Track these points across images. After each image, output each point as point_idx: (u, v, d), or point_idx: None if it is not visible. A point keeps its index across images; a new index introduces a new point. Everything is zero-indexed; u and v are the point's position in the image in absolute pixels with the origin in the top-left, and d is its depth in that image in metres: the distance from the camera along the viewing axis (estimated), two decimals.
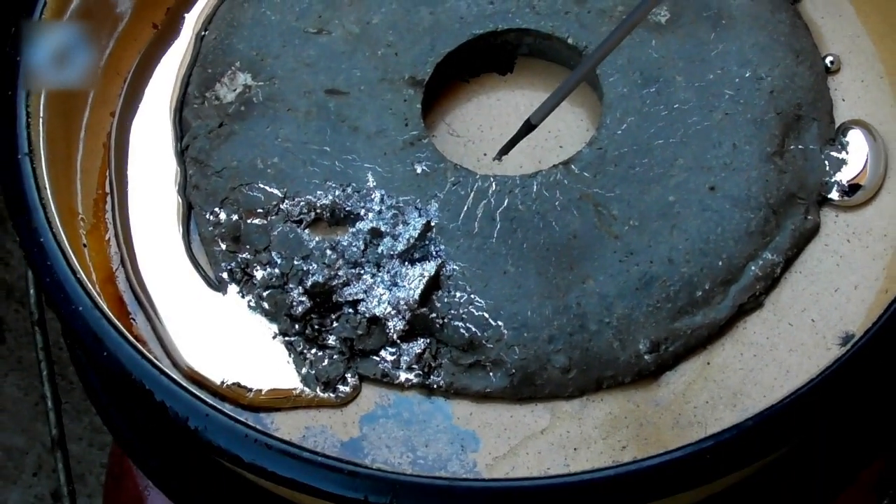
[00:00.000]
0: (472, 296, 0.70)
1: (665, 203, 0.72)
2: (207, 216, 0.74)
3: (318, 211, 0.72)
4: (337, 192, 0.73)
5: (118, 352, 0.65)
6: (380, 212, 0.72)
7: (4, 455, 1.46)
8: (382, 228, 0.72)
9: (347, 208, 0.72)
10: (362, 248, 0.71)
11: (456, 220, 0.72)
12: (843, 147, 0.74)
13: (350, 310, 0.70)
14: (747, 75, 0.75)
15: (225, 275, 0.72)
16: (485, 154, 0.76)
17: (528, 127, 0.73)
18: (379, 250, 0.71)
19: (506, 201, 0.72)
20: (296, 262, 0.71)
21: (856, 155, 0.74)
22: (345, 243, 0.71)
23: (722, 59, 0.76)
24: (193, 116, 0.76)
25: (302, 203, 0.73)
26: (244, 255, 0.72)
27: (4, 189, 0.69)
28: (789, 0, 0.79)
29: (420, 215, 0.72)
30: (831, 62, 0.77)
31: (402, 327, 0.69)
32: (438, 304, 0.70)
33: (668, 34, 0.76)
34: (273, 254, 0.72)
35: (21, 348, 1.49)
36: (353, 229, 0.72)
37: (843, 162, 0.74)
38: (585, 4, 0.78)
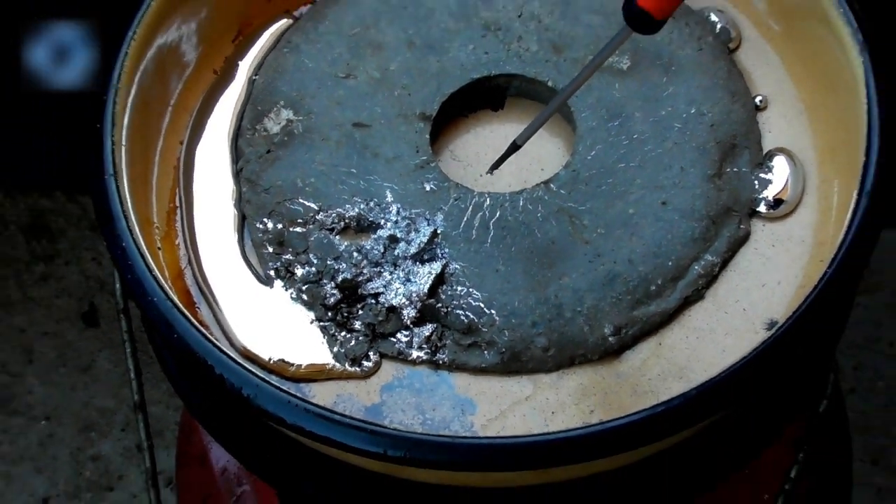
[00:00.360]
0: (471, 289, 0.70)
1: (626, 215, 0.71)
2: (258, 225, 0.73)
3: (347, 221, 0.72)
4: (362, 206, 0.72)
5: (186, 335, 0.65)
6: (396, 222, 0.72)
7: (99, 414, 1.46)
8: (398, 235, 0.71)
9: (370, 219, 0.72)
10: (382, 251, 0.71)
11: (457, 228, 0.71)
12: (770, 170, 0.74)
13: (372, 301, 0.70)
14: (692, 112, 0.75)
15: (272, 272, 0.72)
16: (481, 175, 0.76)
17: (514, 147, 0.73)
18: (395, 253, 0.71)
19: (498, 213, 0.72)
20: (329, 262, 0.71)
21: (779, 176, 0.73)
22: (368, 247, 0.71)
23: (672, 98, 0.75)
24: (246, 144, 0.76)
25: (333, 214, 0.72)
26: (287, 257, 0.72)
27: (94, 203, 0.69)
28: (726, 50, 0.78)
29: (429, 224, 0.72)
30: (760, 101, 0.77)
31: (414, 315, 0.69)
32: (443, 296, 0.70)
33: (629, 78, 0.76)
34: (310, 255, 0.71)
35: (111, 331, 1.50)
36: (375, 236, 0.72)
37: (769, 182, 0.73)
38: (562, 55, 0.77)
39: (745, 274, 0.71)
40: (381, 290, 0.70)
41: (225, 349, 0.64)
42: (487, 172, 0.75)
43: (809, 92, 0.76)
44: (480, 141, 0.78)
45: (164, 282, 0.66)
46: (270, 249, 0.72)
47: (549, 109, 0.71)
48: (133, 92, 0.73)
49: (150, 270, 0.66)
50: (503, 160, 0.74)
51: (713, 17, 0.79)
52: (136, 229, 0.68)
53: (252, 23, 0.81)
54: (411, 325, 0.69)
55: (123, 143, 0.71)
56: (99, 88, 0.69)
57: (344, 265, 0.71)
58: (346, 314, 0.70)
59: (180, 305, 0.65)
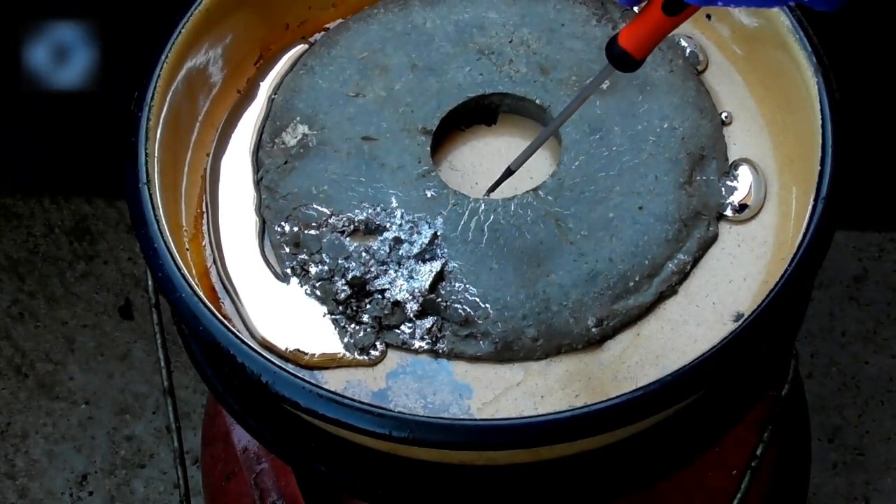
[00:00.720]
0: (467, 286, 0.69)
1: (607, 218, 0.71)
2: (276, 228, 0.73)
3: (356, 224, 0.72)
4: (369, 211, 0.72)
5: (211, 327, 0.64)
6: (400, 225, 0.71)
7: (133, 398, 1.45)
8: (402, 237, 0.71)
9: (377, 222, 0.72)
10: (388, 251, 0.71)
11: (455, 230, 0.71)
12: (735, 178, 0.74)
13: (379, 296, 0.70)
14: (665, 126, 0.74)
15: (289, 270, 0.72)
16: (476, 183, 0.75)
17: (508, 172, 0.72)
18: (400, 253, 0.71)
19: (492, 217, 0.72)
20: (340, 262, 0.71)
21: (743, 183, 0.73)
22: (375, 248, 0.71)
23: (647, 114, 0.75)
24: (266, 156, 0.76)
25: (344, 219, 0.72)
26: (302, 256, 0.72)
27: (130, 209, 0.69)
28: (695, 72, 0.78)
29: (429, 227, 0.71)
30: (726, 117, 0.76)
31: (416, 308, 0.69)
32: (443, 292, 0.69)
33: (609, 97, 0.76)
34: (323, 255, 0.71)
35: (145, 323, 1.49)
36: (381, 237, 0.71)
37: (735, 188, 0.73)
38: (549, 76, 0.77)
39: (714, 271, 0.71)
40: (387, 286, 0.70)
41: (246, 340, 0.64)
42: (485, 195, 0.74)
43: (770, 109, 0.76)
44: (476, 153, 0.77)
45: (191, 279, 0.66)
46: (287, 250, 0.72)
47: (540, 138, 0.71)
48: (165, 109, 0.72)
49: (179, 269, 0.66)
50: (499, 183, 0.74)
51: (683, 43, 0.79)
52: (167, 232, 0.68)
53: (272, 48, 0.81)
54: (414, 318, 0.69)
55: (156, 155, 0.71)
56: (99, 88, 0.68)
57: (353, 264, 0.70)
58: (355, 308, 0.70)
59: (206, 300, 0.65)
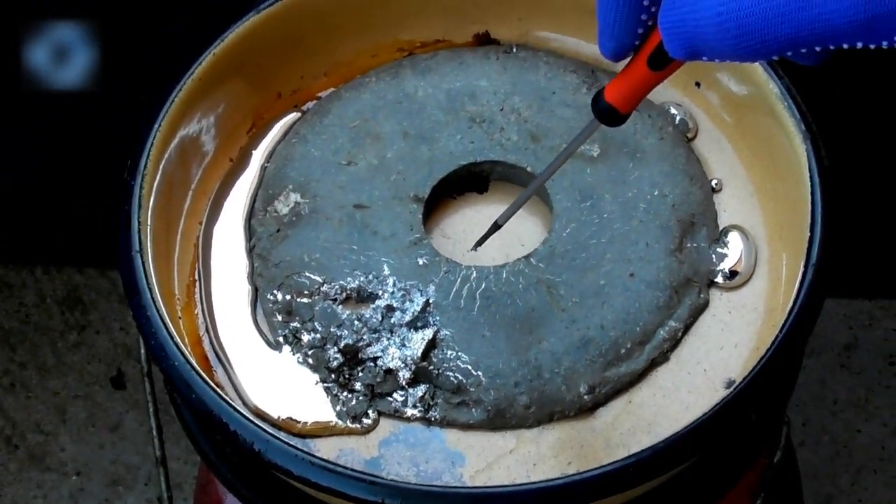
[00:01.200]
0: (459, 353, 0.69)
1: (598, 285, 0.71)
2: (268, 296, 0.73)
3: (348, 292, 0.72)
4: (361, 279, 0.72)
5: (203, 395, 0.64)
6: (392, 293, 0.71)
7: (125, 469, 1.44)
8: (394, 305, 0.71)
9: (369, 290, 0.72)
10: (380, 319, 0.71)
11: (447, 298, 0.71)
12: (725, 245, 0.74)
13: (371, 364, 0.69)
14: (656, 193, 0.75)
15: (281, 339, 0.72)
16: (468, 251, 0.75)
17: (495, 226, 0.72)
18: (392, 321, 0.70)
19: (483, 285, 0.72)
20: (332, 329, 0.70)
21: (734, 250, 0.73)
22: (367, 315, 0.71)
23: (637, 182, 0.75)
24: (258, 224, 0.76)
25: (336, 287, 0.72)
26: (294, 324, 0.71)
27: (122, 277, 0.69)
28: (685, 139, 0.78)
29: (421, 295, 0.71)
30: (716, 184, 0.77)
31: (408, 376, 0.69)
32: (435, 360, 0.69)
33: (599, 164, 0.76)
34: (315, 323, 0.71)
35: (137, 393, 1.49)
36: (374, 305, 0.71)
37: (725, 255, 0.73)
38: (539, 143, 0.77)
39: (705, 338, 0.71)
40: (379, 354, 0.70)
41: (238, 408, 0.64)
42: (472, 249, 0.74)
43: (759, 175, 0.77)
44: (467, 220, 0.78)
45: (183, 348, 0.66)
46: (280, 318, 0.72)
47: (527, 193, 0.71)
48: (158, 178, 0.73)
49: (172, 337, 0.66)
50: (486, 238, 0.74)
51: (672, 110, 0.80)
52: (160, 301, 0.67)
53: (264, 116, 0.82)
54: (406, 386, 0.69)
55: (149, 223, 0.71)
56: (99, 88, 0.67)
57: (346, 332, 0.70)
58: (347, 376, 0.70)
59: (198, 369, 0.65)
